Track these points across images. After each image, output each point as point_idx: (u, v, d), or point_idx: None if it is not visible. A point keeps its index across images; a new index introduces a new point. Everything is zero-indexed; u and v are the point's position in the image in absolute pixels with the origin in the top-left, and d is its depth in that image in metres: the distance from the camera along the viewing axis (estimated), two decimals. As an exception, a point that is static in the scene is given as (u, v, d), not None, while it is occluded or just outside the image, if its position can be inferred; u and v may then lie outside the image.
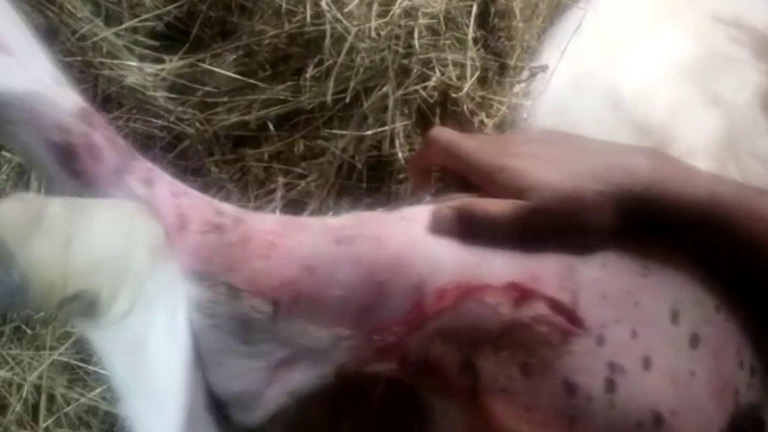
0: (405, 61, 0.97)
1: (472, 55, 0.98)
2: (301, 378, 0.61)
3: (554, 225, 0.62)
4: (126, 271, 0.55)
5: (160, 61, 1.08)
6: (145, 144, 1.09)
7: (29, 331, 1.00)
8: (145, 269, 0.56)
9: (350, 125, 0.98)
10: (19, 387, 0.96)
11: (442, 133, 0.71)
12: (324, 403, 0.71)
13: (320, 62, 0.98)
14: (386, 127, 0.96)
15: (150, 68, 1.08)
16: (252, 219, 0.62)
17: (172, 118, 1.07)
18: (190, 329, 0.58)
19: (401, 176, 0.97)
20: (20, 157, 1.00)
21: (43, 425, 0.96)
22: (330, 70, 0.98)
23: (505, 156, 0.65)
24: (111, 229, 0.56)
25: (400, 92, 0.96)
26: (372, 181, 0.98)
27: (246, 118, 1.04)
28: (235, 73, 1.05)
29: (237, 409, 0.61)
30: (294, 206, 0.98)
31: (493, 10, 1.00)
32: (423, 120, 0.97)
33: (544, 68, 0.97)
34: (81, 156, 0.57)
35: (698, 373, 0.61)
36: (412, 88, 0.96)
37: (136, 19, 1.08)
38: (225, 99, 1.06)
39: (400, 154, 0.96)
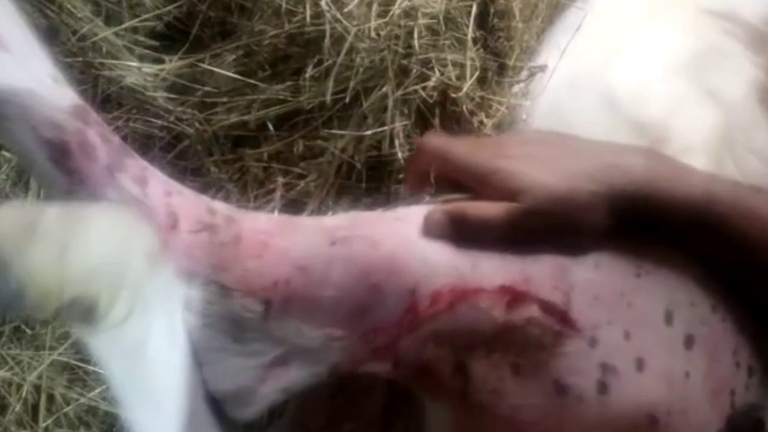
0: (404, 62, 0.97)
1: (472, 55, 0.98)
2: (294, 376, 0.61)
3: (548, 226, 0.62)
4: (123, 277, 0.56)
5: (160, 61, 1.08)
6: (144, 144, 1.09)
7: (29, 331, 1.00)
8: (142, 275, 0.57)
9: (350, 125, 0.98)
10: (19, 387, 0.96)
11: (433, 140, 0.71)
12: (325, 404, 0.71)
13: (320, 62, 0.98)
14: (386, 127, 0.96)
15: (149, 68, 1.08)
16: (245, 218, 0.62)
17: (171, 118, 1.07)
18: (185, 329, 0.59)
19: (401, 176, 0.97)
20: (18, 157, 1.00)
21: (42, 425, 0.96)
22: (329, 70, 0.97)
23: (498, 158, 0.65)
24: (107, 236, 0.56)
25: (400, 92, 0.96)
26: (371, 181, 0.98)
27: (245, 118, 1.04)
28: (234, 73, 1.05)
29: (231, 406, 0.61)
30: (293, 206, 0.98)
31: (492, 10, 1.00)
32: (422, 120, 0.97)
33: (543, 68, 0.97)
34: (74, 153, 0.57)
35: (693, 374, 0.61)
36: (411, 89, 0.96)
37: (136, 19, 1.08)
38: (224, 99, 1.06)
39: (399, 154, 0.96)
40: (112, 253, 0.55)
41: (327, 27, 0.96)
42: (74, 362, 0.99)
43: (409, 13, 0.97)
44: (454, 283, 0.61)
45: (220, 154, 1.06)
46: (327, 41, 0.97)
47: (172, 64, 1.07)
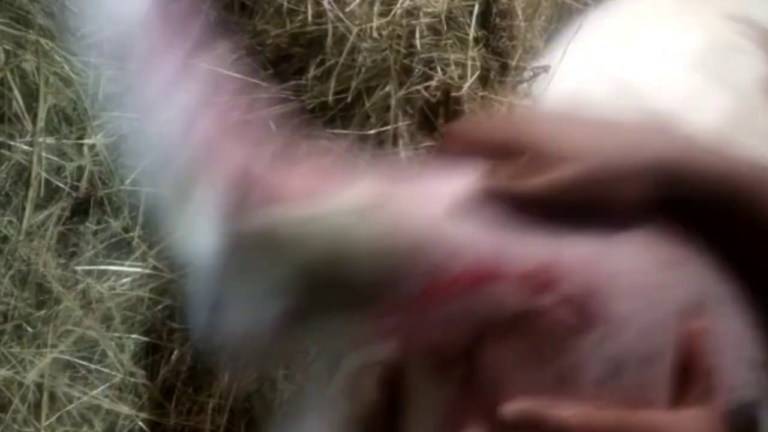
0: (407, 61, 0.97)
1: (473, 54, 0.98)
2: (299, 334, 0.61)
3: (596, 196, 0.60)
4: None
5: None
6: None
7: (30, 330, 1.00)
8: None
9: (352, 124, 0.98)
10: (20, 385, 0.96)
11: (465, 123, 0.69)
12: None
13: (322, 62, 0.98)
14: (389, 127, 0.96)
15: (151, 67, 1.08)
16: (277, 178, 0.61)
17: (173, 117, 1.08)
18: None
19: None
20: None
21: (45, 423, 0.96)
22: (332, 69, 0.98)
23: (537, 129, 0.63)
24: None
25: (403, 92, 0.96)
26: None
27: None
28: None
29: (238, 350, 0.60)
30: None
31: (494, 9, 1.00)
32: (426, 119, 0.98)
33: (546, 68, 0.97)
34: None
35: None
36: (414, 88, 0.96)
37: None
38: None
39: (402, 153, 0.96)
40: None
41: (329, 26, 0.97)
42: (76, 360, 0.99)
43: (411, 13, 0.97)
44: (475, 266, 0.60)
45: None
46: (329, 41, 0.97)
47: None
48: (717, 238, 0.63)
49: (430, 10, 0.97)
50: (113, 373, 0.99)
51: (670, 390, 0.60)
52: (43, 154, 1.05)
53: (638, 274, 0.61)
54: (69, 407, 0.96)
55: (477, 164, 0.66)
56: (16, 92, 1.05)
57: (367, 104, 0.97)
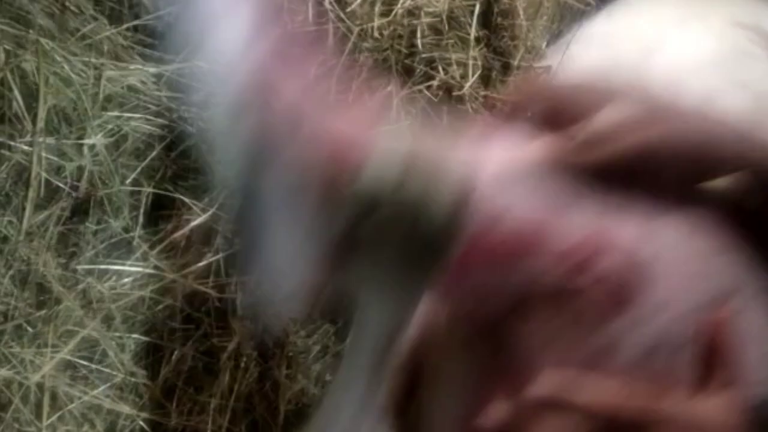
0: (408, 61, 0.97)
1: (474, 54, 0.99)
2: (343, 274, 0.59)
3: (647, 169, 0.59)
4: None
5: (164, 60, 1.08)
6: (146, 143, 1.09)
7: (30, 330, 1.00)
8: None
9: (354, 124, 0.98)
10: (21, 385, 0.96)
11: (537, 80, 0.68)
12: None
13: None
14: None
15: (152, 68, 1.08)
16: (328, 118, 0.60)
17: (174, 117, 1.08)
18: None
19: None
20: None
21: (46, 423, 0.95)
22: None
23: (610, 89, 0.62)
24: None
25: (404, 91, 0.96)
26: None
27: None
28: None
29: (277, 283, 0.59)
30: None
31: (496, 9, 1.00)
32: (428, 118, 0.98)
33: (548, 69, 0.98)
34: None
35: None
36: (415, 88, 0.97)
37: (139, 20, 1.08)
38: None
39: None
40: None
41: (330, 26, 0.97)
42: (76, 360, 0.99)
43: (412, 12, 0.97)
44: (519, 233, 0.59)
45: (222, 153, 1.06)
46: (330, 40, 0.97)
47: (175, 63, 1.08)
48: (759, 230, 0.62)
49: (431, 9, 0.97)
50: (114, 373, 0.99)
51: (694, 376, 0.60)
52: (43, 154, 1.05)
53: (679, 261, 0.60)
54: (70, 407, 0.96)
55: (531, 129, 0.65)
56: (16, 92, 1.05)
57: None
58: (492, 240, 0.59)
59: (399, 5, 0.97)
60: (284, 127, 0.57)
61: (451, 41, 0.98)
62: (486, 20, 1.01)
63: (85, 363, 0.99)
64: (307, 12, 0.98)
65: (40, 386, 0.97)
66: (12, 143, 1.05)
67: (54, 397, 0.97)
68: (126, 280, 1.05)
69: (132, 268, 1.05)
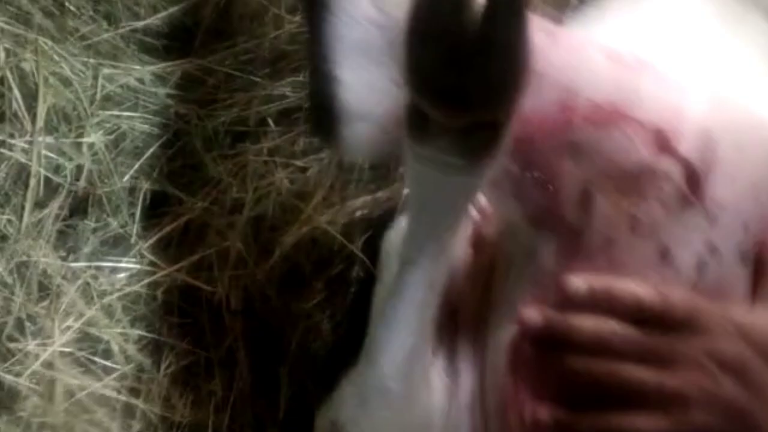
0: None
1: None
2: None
3: None
4: None
5: (161, 59, 1.10)
6: (145, 141, 1.10)
7: (31, 327, 1.01)
8: None
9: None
10: (27, 377, 0.96)
11: None
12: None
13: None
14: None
15: (150, 66, 1.10)
16: None
17: (171, 115, 1.09)
18: None
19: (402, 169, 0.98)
20: None
21: (49, 415, 0.96)
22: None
23: None
24: None
25: (402, 87, 0.98)
26: (373, 174, 1.00)
27: (245, 114, 1.06)
28: (234, 70, 1.07)
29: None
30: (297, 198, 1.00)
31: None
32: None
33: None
34: None
35: None
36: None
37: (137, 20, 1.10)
38: (224, 96, 1.08)
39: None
40: None
41: (327, 25, 0.99)
42: (79, 354, 0.99)
43: (407, 11, 0.99)
44: (615, 103, 0.58)
45: (220, 150, 1.07)
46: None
47: (173, 62, 1.09)
48: None
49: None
50: (117, 366, 1.00)
51: (748, 287, 0.60)
52: (43, 153, 1.06)
53: (752, 168, 0.60)
54: (73, 399, 0.97)
55: None
56: (15, 92, 1.06)
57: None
58: (585, 105, 0.58)
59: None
60: None
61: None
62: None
63: (87, 356, 0.99)
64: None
65: (42, 378, 0.97)
66: (12, 142, 1.06)
67: (57, 390, 0.97)
68: (123, 275, 1.06)
69: (131, 264, 1.06)
